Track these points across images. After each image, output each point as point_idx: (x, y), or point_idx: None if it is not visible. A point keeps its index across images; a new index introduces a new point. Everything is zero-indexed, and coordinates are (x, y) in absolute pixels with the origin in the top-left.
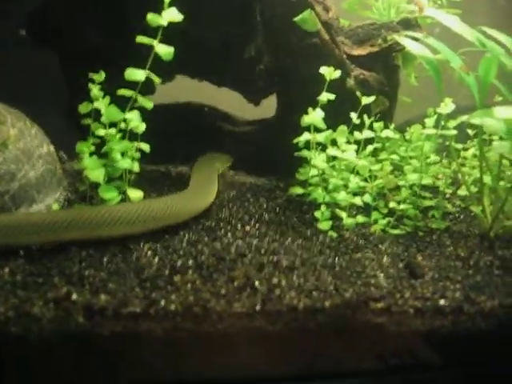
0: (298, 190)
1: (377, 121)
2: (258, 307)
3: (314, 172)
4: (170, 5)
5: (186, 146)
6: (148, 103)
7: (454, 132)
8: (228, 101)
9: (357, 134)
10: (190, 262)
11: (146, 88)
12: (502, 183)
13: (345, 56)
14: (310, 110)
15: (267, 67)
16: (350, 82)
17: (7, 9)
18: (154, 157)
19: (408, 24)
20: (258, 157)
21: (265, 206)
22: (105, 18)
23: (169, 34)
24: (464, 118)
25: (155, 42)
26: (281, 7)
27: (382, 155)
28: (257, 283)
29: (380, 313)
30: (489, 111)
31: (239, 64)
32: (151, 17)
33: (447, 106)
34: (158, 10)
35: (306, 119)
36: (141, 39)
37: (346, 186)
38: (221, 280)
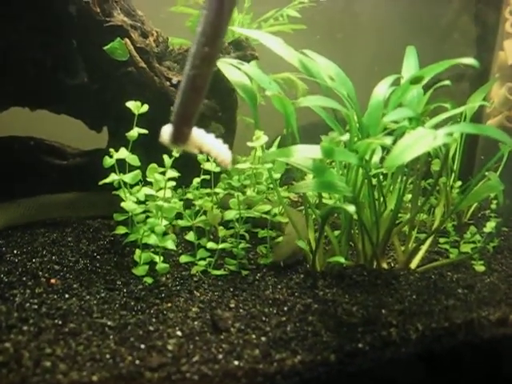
0: (122, 230)
1: None
2: None
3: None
4: None
5: (7, 185)
6: None
7: (269, 165)
8: None
9: (166, 173)
10: None
11: None
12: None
13: (169, 83)
14: (111, 150)
15: (95, 95)
16: None
17: None
18: None
19: (239, 45)
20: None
21: (84, 249)
22: None
23: None
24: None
25: None
26: (97, 35)
27: (219, 187)
28: (26, 355)
29: (158, 383)
30: (286, 150)
31: (69, 92)
32: None
33: (258, 140)
34: None
35: (108, 161)
36: None
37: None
38: None
